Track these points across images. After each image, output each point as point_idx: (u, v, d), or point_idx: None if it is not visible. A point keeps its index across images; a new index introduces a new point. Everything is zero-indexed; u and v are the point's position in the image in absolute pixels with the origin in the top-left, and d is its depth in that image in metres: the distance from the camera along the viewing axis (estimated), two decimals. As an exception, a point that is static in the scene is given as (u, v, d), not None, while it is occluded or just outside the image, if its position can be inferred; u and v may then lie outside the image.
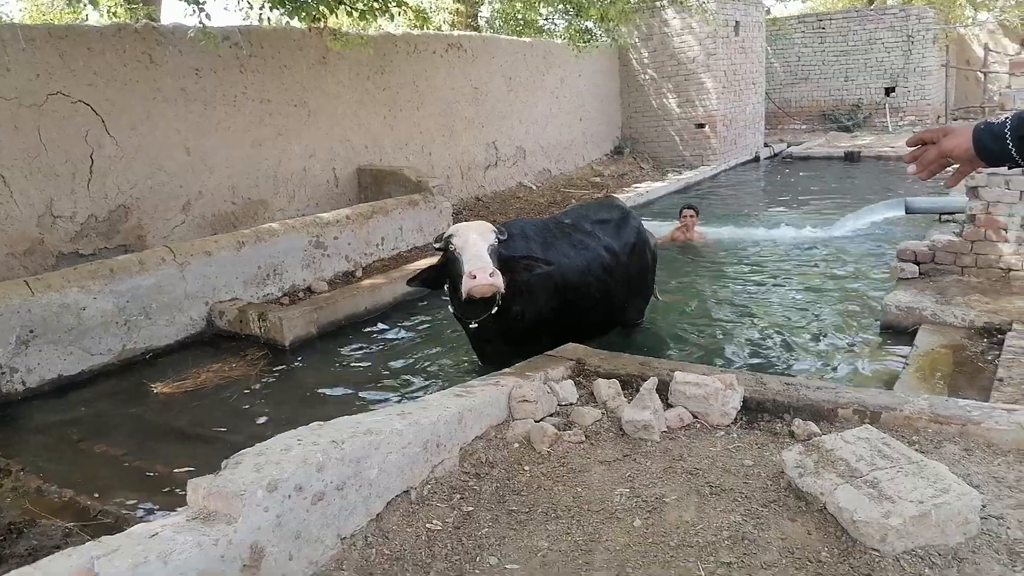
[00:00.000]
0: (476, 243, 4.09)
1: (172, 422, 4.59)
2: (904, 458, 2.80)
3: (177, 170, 7.20)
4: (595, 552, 2.55)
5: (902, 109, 18.30)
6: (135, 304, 5.58)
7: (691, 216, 8.80)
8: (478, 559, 2.57)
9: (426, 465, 2.99)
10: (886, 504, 2.52)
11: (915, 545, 2.45)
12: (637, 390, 3.58)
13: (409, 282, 4.50)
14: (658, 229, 8.98)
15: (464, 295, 4.01)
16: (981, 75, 19.68)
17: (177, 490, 3.40)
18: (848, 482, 2.68)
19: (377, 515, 2.73)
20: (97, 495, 3.61)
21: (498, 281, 3.97)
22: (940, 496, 2.53)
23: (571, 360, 4.07)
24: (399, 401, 4.75)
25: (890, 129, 17.89)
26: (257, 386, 5.09)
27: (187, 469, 3.75)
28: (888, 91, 18.36)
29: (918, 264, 5.71)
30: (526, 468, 3.16)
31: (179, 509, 2.35)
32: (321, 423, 2.77)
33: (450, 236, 4.23)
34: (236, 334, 5.97)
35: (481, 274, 3.92)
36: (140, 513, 3.42)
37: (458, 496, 2.96)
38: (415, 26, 11.22)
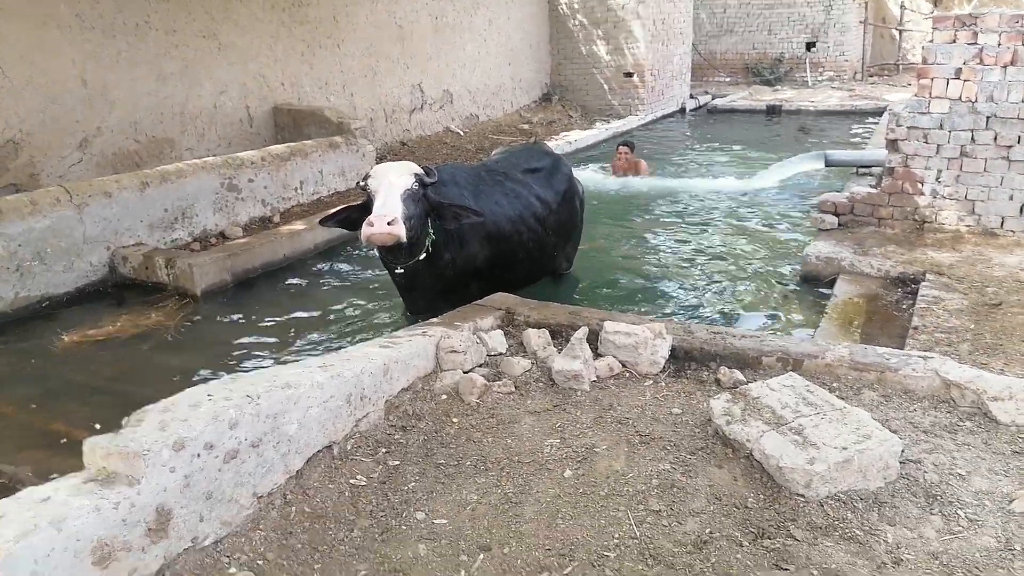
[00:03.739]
0: (390, 186, 3.89)
1: (74, 376, 4.28)
2: (828, 405, 2.85)
3: (73, 104, 6.60)
4: (525, 504, 2.50)
5: (822, 64, 18.70)
6: (28, 248, 5.13)
7: (625, 153, 9.31)
8: (405, 514, 2.48)
9: (350, 419, 2.86)
10: (811, 450, 2.56)
11: (838, 490, 2.50)
12: (567, 340, 3.53)
13: (322, 221, 4.26)
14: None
15: (363, 242, 3.82)
16: (896, 33, 20.29)
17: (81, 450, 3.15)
18: (774, 429, 2.71)
19: (297, 472, 2.60)
20: (-11, 454, 3.33)
21: (398, 230, 3.75)
22: (862, 442, 2.58)
23: (500, 310, 3.98)
24: (320, 353, 4.57)
25: (810, 84, 18.29)
26: (169, 338, 4.80)
27: (91, 427, 3.48)
28: (809, 46, 18.71)
29: (838, 216, 5.85)
30: (455, 420, 3.08)
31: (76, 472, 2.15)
32: (234, 376, 2.59)
33: (369, 176, 4.02)
34: (142, 282, 5.59)
35: (379, 222, 3.71)
36: (38, 473, 3.16)
37: (384, 450, 2.85)
38: (335, -43, 10.59)
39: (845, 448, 2.55)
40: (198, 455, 2.21)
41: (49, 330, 4.88)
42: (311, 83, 9.27)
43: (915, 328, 4.04)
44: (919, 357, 3.30)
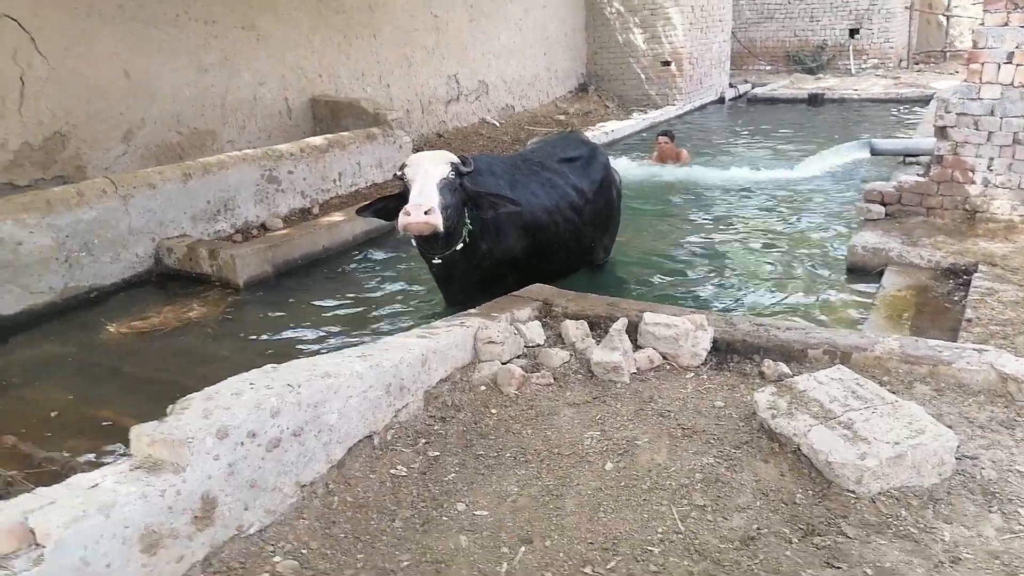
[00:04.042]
0: (426, 175, 3.85)
1: (122, 366, 4.35)
2: (878, 398, 2.76)
3: (117, 95, 6.71)
4: (566, 496, 2.47)
5: (866, 52, 18.21)
6: (76, 239, 5.23)
7: (666, 142, 9.30)
8: (445, 505, 2.47)
9: (389, 409, 2.86)
10: (861, 445, 2.48)
11: (891, 486, 2.42)
12: (606, 331, 3.49)
13: (359, 211, 4.25)
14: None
15: (400, 231, 3.80)
16: (944, 18, 19.69)
17: (125, 438, 3.21)
18: (822, 423, 2.64)
19: (338, 461, 2.60)
20: (43, 443, 3.40)
21: (434, 219, 3.71)
22: (916, 437, 2.50)
23: (537, 301, 3.95)
24: (361, 342, 4.58)
25: (853, 72, 17.84)
26: (211, 328, 4.86)
27: (138, 415, 3.54)
28: (852, 33, 18.24)
29: (884, 205, 5.69)
30: (493, 411, 3.06)
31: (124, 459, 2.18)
32: (275, 366, 2.60)
33: (405, 165, 4.00)
34: (186, 273, 5.66)
35: (415, 211, 3.68)
36: (89, 460, 3.23)
37: (423, 441, 2.85)
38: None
39: (898, 443, 2.47)
40: (241, 443, 2.22)
41: (96, 320, 4.98)
42: (348, 74, 9.31)
43: (968, 320, 3.90)
44: (973, 350, 3.19)
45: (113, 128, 6.72)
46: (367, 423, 2.74)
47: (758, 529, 2.28)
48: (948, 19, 19.57)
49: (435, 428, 2.94)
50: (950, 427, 2.66)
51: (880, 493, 2.40)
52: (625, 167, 9.14)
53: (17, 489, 2.76)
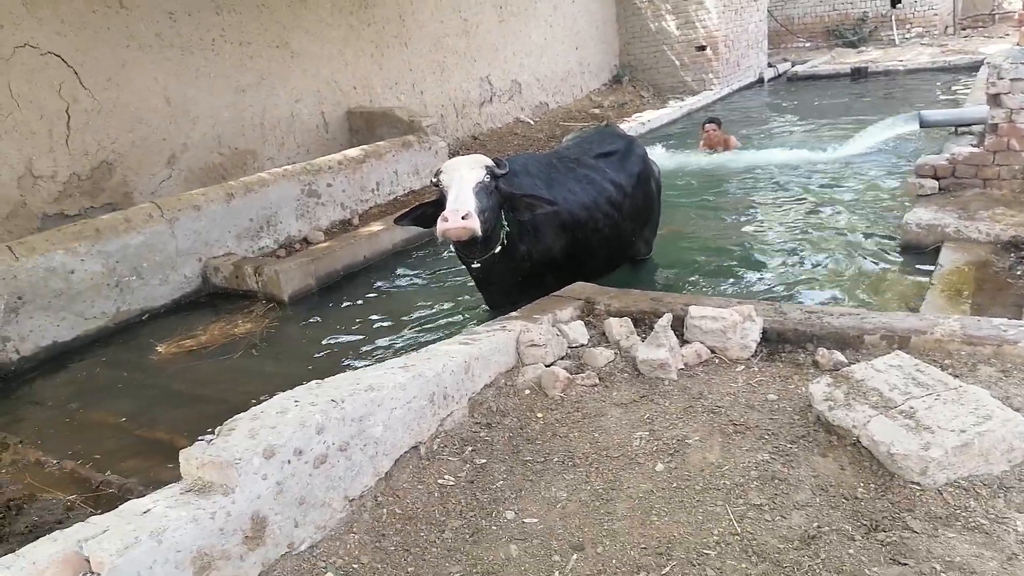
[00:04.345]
0: (462, 180, 3.83)
1: (173, 385, 4.46)
2: (940, 384, 2.64)
3: (159, 122, 6.90)
4: (617, 500, 2.42)
5: (909, 20, 17.59)
6: (125, 264, 5.39)
7: (713, 129, 9.15)
8: (494, 514, 2.44)
9: (434, 418, 2.84)
10: (925, 435, 2.37)
11: (958, 476, 2.31)
12: (650, 328, 3.42)
13: (397, 220, 4.25)
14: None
15: (439, 238, 3.79)
16: (991, -21, 18.90)
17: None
18: (882, 413, 2.52)
19: (386, 473, 2.60)
20: (99, 465, 3.49)
21: (473, 224, 3.68)
22: (982, 423, 2.38)
23: (579, 300, 3.89)
24: (403, 351, 4.60)
25: (897, 42, 17.25)
26: (259, 343, 4.94)
27: (191, 435, 3.61)
28: (894, 2, 17.62)
29: (937, 179, 5.46)
30: (539, 415, 3.02)
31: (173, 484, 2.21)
32: (319, 382, 2.61)
33: (440, 171, 3.99)
34: (233, 290, 5.79)
35: (453, 217, 3.65)
36: (144, 482, 3.29)
37: (470, 448, 2.83)
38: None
39: (963, 431, 2.35)
40: (288, 461, 2.23)
41: (147, 341, 5.12)
42: (381, 84, 9.38)
43: (1034, 296, 3.72)
44: (1041, 327, 3.03)
45: (157, 154, 6.90)
46: (412, 434, 2.73)
47: (818, 527, 2.19)
48: (995, -20, 18.79)
49: (481, 435, 2.91)
50: (1018, 410, 2.53)
51: (947, 484, 2.29)
52: (670, 158, 9.03)
53: (77, 513, 2.84)
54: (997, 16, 18.56)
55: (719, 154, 9.04)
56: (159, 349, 4.90)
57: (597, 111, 12.78)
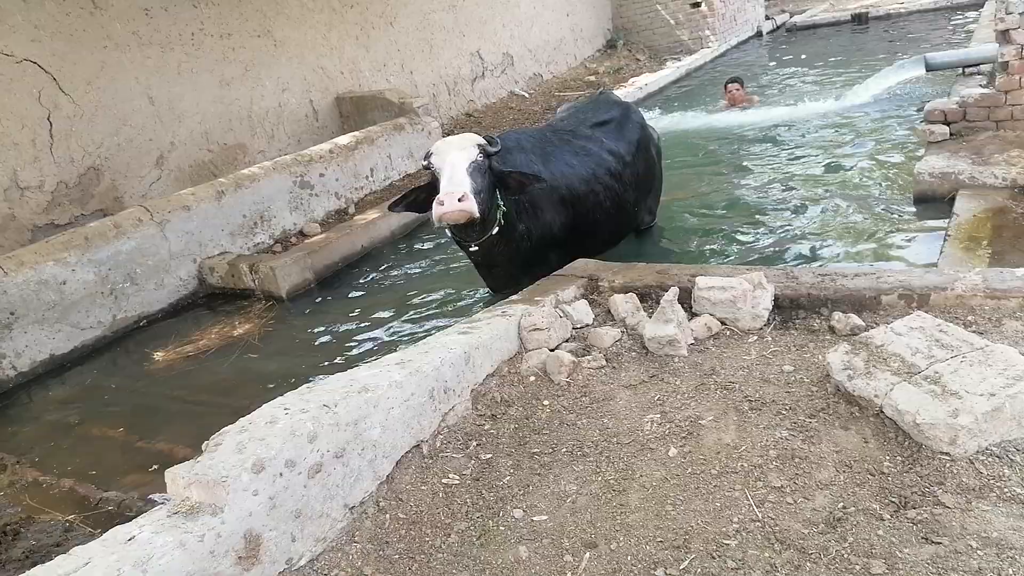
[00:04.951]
0: (454, 161, 3.69)
1: (173, 392, 4.37)
2: (966, 344, 2.49)
3: (143, 122, 6.75)
4: (629, 491, 2.30)
5: (909, -40, 17.08)
6: (118, 271, 5.29)
7: (736, 88, 8.98)
8: (502, 513, 2.33)
9: (435, 414, 2.73)
10: (952, 401, 2.23)
11: (989, 443, 2.17)
12: (657, 302, 3.28)
13: (391, 207, 4.12)
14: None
15: (435, 222, 3.65)
16: (991, -88, 18.29)
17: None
18: (906, 380, 2.39)
19: (387, 477, 2.49)
20: (99, 482, 3.41)
21: (469, 206, 3.55)
22: (1013, 385, 2.23)
23: (582, 278, 3.76)
24: (406, 341, 4.48)
25: (897, -16, 16.77)
26: (260, 343, 4.84)
27: (191, 444, 3.52)
28: (891, -58, 17.12)
29: (948, 124, 5.25)
30: (545, 403, 2.89)
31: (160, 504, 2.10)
32: (310, 385, 2.50)
33: (430, 154, 3.84)
34: (230, 290, 5.68)
35: (449, 200, 3.52)
36: (144, 496, 3.21)
37: (474, 443, 2.71)
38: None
39: (993, 394, 2.21)
40: (280, 474, 2.12)
41: (145, 349, 5.03)
42: (369, 67, 9.17)
43: (1057, 241, 3.54)
44: (1068, 275, 2.87)
45: (144, 155, 6.77)
46: (413, 432, 2.61)
47: (844, 508, 2.06)
48: (996, -88, 18.17)
49: (486, 428, 2.79)
50: (1050, 366, 2.38)
51: (978, 452, 2.15)
52: (690, 120, 8.86)
53: (75, 534, 2.75)
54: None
55: (728, 112, 8.82)
56: (157, 356, 4.81)
57: (593, 78, 12.51)
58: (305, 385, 2.50)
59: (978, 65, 6.81)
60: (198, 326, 5.22)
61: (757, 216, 5.53)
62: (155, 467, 3.44)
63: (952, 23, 12.19)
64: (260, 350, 4.73)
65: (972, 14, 12.09)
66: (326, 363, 4.34)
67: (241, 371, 4.46)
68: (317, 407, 2.30)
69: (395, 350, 4.31)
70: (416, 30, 9.86)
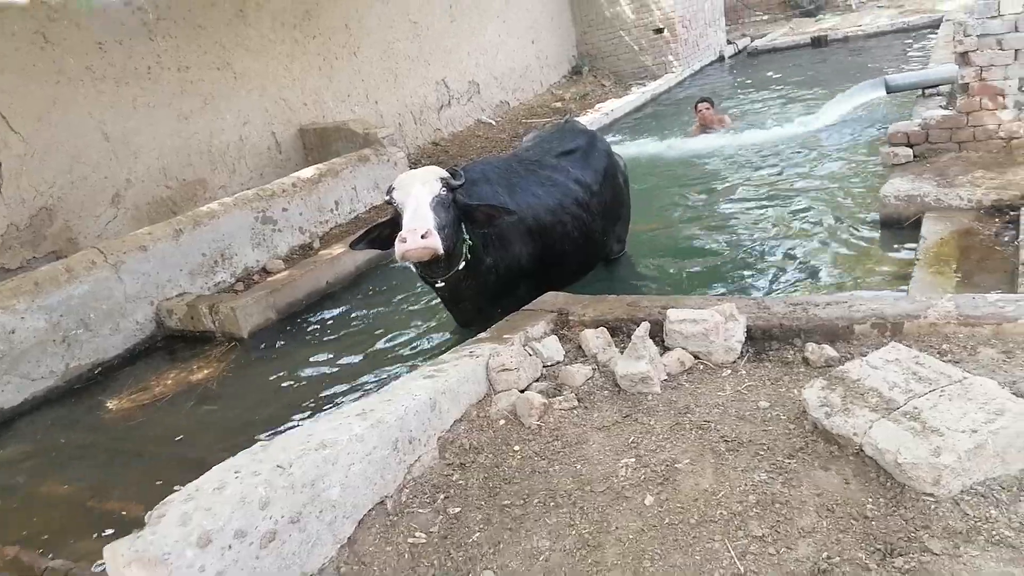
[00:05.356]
0: (417, 196, 3.59)
1: (126, 445, 4.16)
2: (943, 377, 2.43)
3: (98, 159, 6.55)
4: (605, 546, 2.18)
5: (864, -17, 17.52)
6: (71, 317, 5.06)
7: (706, 108, 8.89)
8: (471, 575, 2.19)
9: (400, 467, 2.59)
10: (933, 438, 2.15)
11: (974, 482, 2.09)
12: (628, 336, 3.19)
13: (352, 245, 3.98)
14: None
15: (398, 260, 3.53)
16: (940, -65, 18.85)
17: (135, 529, 3.02)
18: (885, 416, 2.31)
19: (349, 539, 2.34)
20: (47, 547, 3.20)
21: (433, 242, 3.44)
22: (995, 420, 2.17)
23: (552, 312, 3.66)
24: (371, 383, 4.34)
25: (854, 7, 17.16)
26: (219, 388, 4.65)
27: (144, 502, 3.33)
28: (846, -34, 17.55)
29: (911, 146, 5.28)
30: (516, 448, 2.77)
31: None
32: (264, 444, 2.35)
33: (392, 188, 3.74)
34: (190, 332, 5.47)
35: (411, 237, 3.41)
36: (92, 562, 3.01)
37: (442, 496, 2.57)
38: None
39: (975, 430, 2.13)
40: (229, 546, 1.97)
41: (99, 398, 4.80)
42: (333, 97, 9.07)
43: (1025, 264, 3.52)
44: (1040, 300, 2.84)
45: (99, 193, 6.56)
46: (376, 489, 2.48)
47: (828, 558, 1.97)
48: (945, -64, 18.73)
49: (454, 478, 2.66)
50: (1028, 395, 2.33)
51: (962, 492, 2.07)
52: (657, 147, 8.85)
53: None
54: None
55: (695, 139, 8.82)
56: (111, 406, 4.59)
57: (559, 104, 12.54)
58: (258, 443, 2.35)
59: (937, 86, 6.92)
60: (155, 372, 5.00)
61: (726, 243, 5.50)
62: (109, 531, 3.24)
63: (908, 45, 12.44)
64: (219, 396, 4.53)
65: (931, 35, 12.36)
66: (287, 409, 4.17)
67: (199, 420, 4.26)
68: (270, 469, 2.16)
69: (361, 392, 4.20)
70: (380, 59, 9.79)
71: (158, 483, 3.60)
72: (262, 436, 2.44)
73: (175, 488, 2.08)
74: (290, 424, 3.98)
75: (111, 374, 5.19)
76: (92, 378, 5.13)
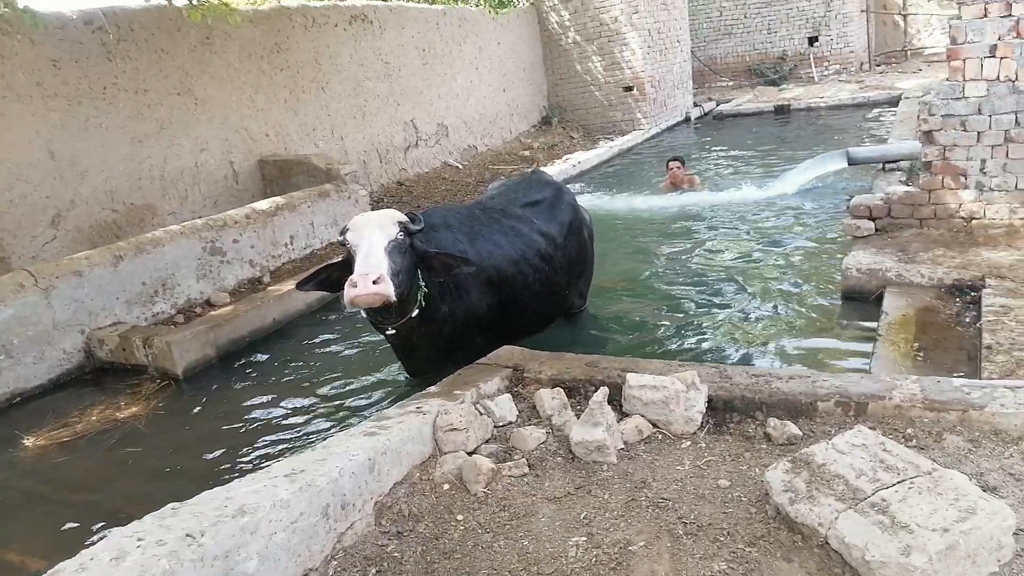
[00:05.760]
0: (372, 240, 3.41)
1: (38, 488, 3.80)
2: (912, 467, 2.30)
3: (41, 178, 6.23)
4: (550, 641, 1.98)
5: (827, 58, 18.14)
6: (-8, 343, 4.71)
7: (677, 167, 9.00)
8: (398, 671, 1.96)
9: (330, 535, 2.36)
10: (903, 536, 2.02)
11: (944, 585, 1.96)
12: (586, 398, 3.04)
13: (299, 285, 3.76)
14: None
15: (346, 306, 3.34)
16: (900, 18, 19.74)
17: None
18: (852, 507, 2.17)
19: (264, 618, 2.09)
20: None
21: (385, 289, 3.27)
22: (966, 519, 2.04)
23: (507, 368, 3.49)
24: (313, 431, 4.08)
25: (816, 79, 17.75)
26: (147, 427, 4.32)
27: (46, 554, 3.01)
28: (811, 41, 18.18)
29: (873, 220, 5.30)
30: (459, 518, 2.56)
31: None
32: (176, 506, 2.10)
33: (347, 229, 3.56)
34: (121, 364, 5.13)
35: (363, 282, 3.23)
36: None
37: (374, 570, 2.34)
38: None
39: (947, 530, 2.00)
40: (120, 630, 1.71)
41: (15, 431, 4.42)
42: (297, 131, 8.89)
43: (988, 348, 3.47)
44: (1005, 388, 2.77)
45: (39, 213, 6.23)
46: (300, 561, 2.24)
47: (792, 667, 1.79)
48: (905, 18, 19.61)
49: (389, 549, 2.44)
50: (994, 489, 2.23)
51: (934, 595, 1.93)
52: (625, 202, 8.86)
53: None
54: (909, 52, 19.35)
55: (661, 196, 8.86)
56: (28, 442, 4.23)
57: (527, 153, 12.56)
58: (170, 506, 2.10)
59: (897, 161, 7.06)
60: (79, 406, 4.65)
61: (688, 305, 5.41)
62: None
63: (868, 119, 12.82)
64: (145, 437, 4.21)
65: (890, 110, 12.75)
66: (216, 458, 3.88)
67: (120, 463, 3.93)
68: (178, 538, 1.92)
69: (299, 442, 3.94)
70: (349, 96, 9.67)
71: (66, 533, 3.27)
72: (181, 497, 2.17)
73: (85, 542, 1.82)
74: (217, 473, 3.69)
75: (30, 404, 4.81)
76: (10, 408, 4.73)
